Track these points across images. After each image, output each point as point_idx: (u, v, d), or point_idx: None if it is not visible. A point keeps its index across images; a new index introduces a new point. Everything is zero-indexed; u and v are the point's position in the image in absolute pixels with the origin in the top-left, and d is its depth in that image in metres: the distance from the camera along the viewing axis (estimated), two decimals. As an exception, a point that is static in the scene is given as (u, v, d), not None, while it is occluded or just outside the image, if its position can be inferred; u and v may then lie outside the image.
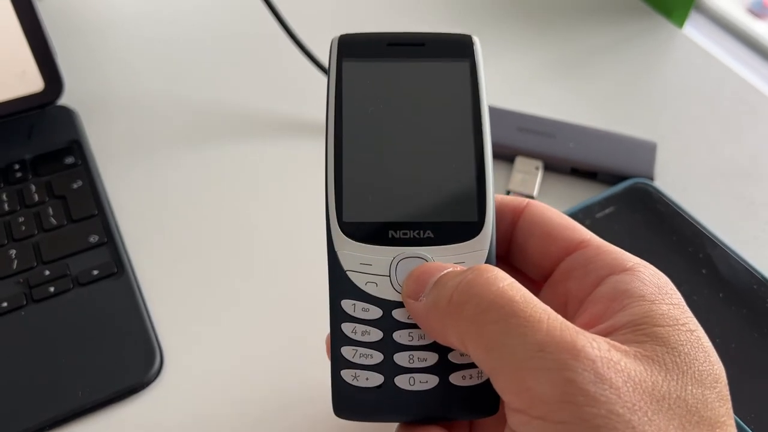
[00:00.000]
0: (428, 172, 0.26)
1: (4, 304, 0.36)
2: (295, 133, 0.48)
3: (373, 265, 0.26)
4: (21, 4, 0.42)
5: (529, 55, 0.54)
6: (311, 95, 0.50)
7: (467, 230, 0.26)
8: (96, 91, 0.49)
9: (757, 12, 0.60)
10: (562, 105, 0.50)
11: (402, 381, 0.25)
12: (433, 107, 0.27)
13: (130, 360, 0.35)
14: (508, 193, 0.43)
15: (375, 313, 0.25)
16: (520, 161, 0.45)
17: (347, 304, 0.25)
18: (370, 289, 0.25)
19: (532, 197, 0.43)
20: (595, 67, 0.53)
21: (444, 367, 0.25)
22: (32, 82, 0.43)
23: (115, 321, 0.36)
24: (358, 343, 0.25)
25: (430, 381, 0.25)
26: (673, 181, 0.45)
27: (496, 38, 0.56)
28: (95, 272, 0.38)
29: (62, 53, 0.45)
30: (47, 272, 0.38)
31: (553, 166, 0.45)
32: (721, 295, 0.37)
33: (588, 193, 0.44)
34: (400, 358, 0.25)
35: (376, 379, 0.25)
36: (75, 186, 0.42)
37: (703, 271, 0.38)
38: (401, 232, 0.26)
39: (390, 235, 0.26)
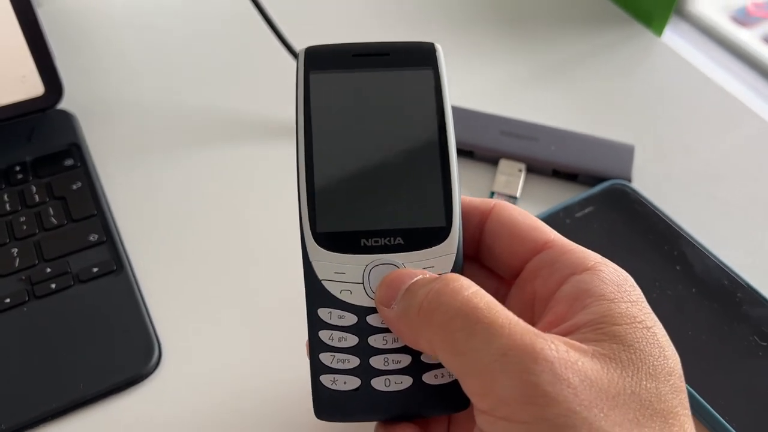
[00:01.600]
0: (396, 180, 0.27)
1: (7, 300, 0.38)
2: (292, 136, 0.49)
3: (347, 274, 0.26)
4: (22, 11, 0.43)
5: (513, 61, 0.56)
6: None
7: (436, 235, 0.27)
8: (94, 96, 0.51)
9: (740, 20, 0.62)
10: (544, 110, 0.52)
11: (378, 383, 0.26)
12: (399, 115, 0.28)
13: (129, 353, 0.37)
14: (492, 194, 0.45)
15: (350, 319, 0.26)
16: (503, 164, 0.46)
17: (323, 313, 0.26)
18: (345, 297, 0.26)
19: (515, 198, 0.45)
20: (577, 74, 0.55)
21: (417, 367, 0.26)
22: (33, 87, 0.45)
23: (114, 316, 0.38)
24: (335, 349, 0.26)
25: (405, 381, 0.26)
26: (650, 182, 0.46)
27: (481, 46, 0.57)
28: (95, 270, 0.39)
29: (60, 58, 0.46)
30: (48, 270, 0.39)
31: (535, 168, 0.47)
32: (694, 290, 0.39)
33: (569, 194, 0.45)
34: (376, 362, 0.26)
35: (353, 383, 0.26)
36: (74, 187, 0.43)
37: (678, 268, 0.40)
38: (372, 239, 0.27)
39: (362, 243, 0.26)
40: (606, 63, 0.56)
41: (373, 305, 0.26)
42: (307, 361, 0.27)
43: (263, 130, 0.50)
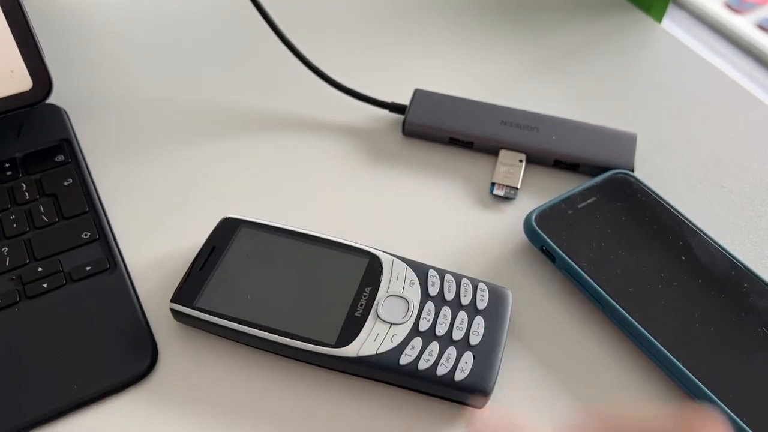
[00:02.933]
0: (317, 276, 0.37)
1: (-2, 301, 0.37)
2: (284, 129, 0.48)
3: (379, 334, 0.34)
4: (8, 4, 0.42)
5: (512, 50, 0.55)
6: (298, 91, 0.51)
7: (377, 263, 0.37)
8: (83, 90, 0.50)
9: (734, 7, 0.62)
10: (544, 99, 0.51)
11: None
12: (269, 265, 0.37)
13: (124, 354, 0.36)
14: (492, 185, 0.44)
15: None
16: (503, 154, 0.46)
17: (409, 350, 0.34)
18: (396, 341, 0.34)
19: (516, 189, 0.44)
20: (577, 62, 0.54)
21: None
22: (21, 82, 0.43)
23: (108, 316, 0.37)
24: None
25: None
26: (653, 171, 0.46)
27: (479, 35, 0.57)
28: (88, 268, 0.38)
29: (49, 52, 0.45)
30: (40, 269, 0.38)
31: (536, 159, 0.46)
32: (700, 281, 0.38)
33: (570, 184, 0.45)
34: None
35: None
36: (65, 183, 0.42)
37: (683, 258, 0.39)
38: (359, 305, 0.35)
39: (357, 313, 0.35)
40: (606, 50, 0.55)
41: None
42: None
43: (256, 123, 0.49)
